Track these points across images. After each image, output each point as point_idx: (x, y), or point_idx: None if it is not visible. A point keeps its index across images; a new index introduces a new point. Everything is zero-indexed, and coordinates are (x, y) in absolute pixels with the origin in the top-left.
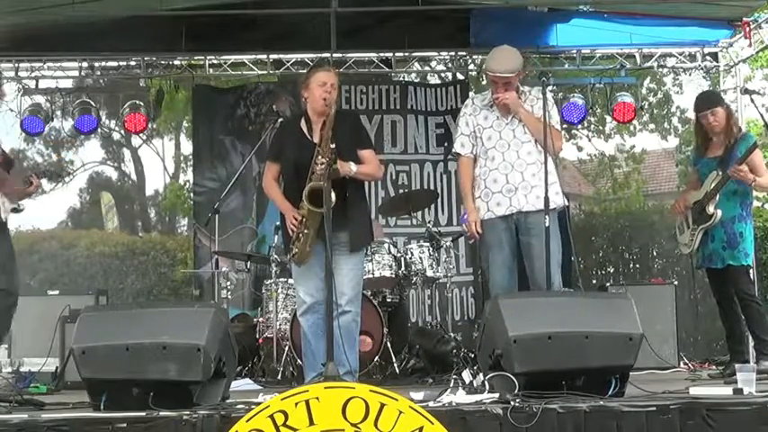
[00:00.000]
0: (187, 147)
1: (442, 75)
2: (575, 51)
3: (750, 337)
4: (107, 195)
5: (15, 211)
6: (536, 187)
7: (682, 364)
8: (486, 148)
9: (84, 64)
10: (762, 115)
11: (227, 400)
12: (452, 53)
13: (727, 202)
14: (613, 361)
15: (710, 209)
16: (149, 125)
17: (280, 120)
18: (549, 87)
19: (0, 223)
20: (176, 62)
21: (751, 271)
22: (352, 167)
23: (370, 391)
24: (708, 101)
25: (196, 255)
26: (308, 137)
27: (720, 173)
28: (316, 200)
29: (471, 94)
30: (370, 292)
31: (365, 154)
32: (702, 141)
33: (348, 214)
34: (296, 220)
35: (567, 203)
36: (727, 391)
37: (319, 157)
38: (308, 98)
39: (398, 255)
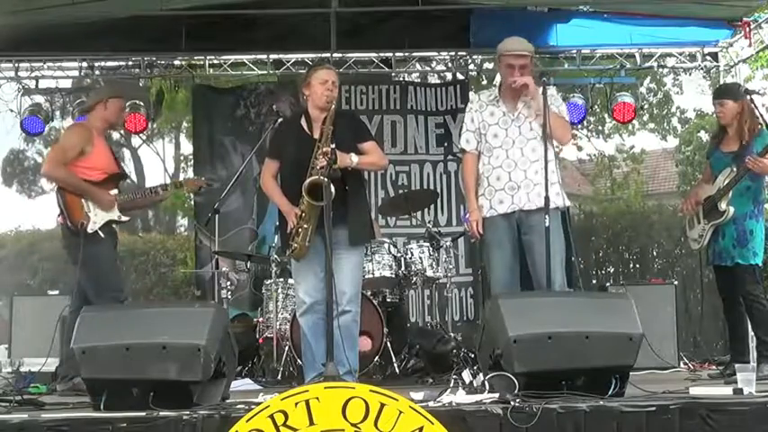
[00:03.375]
0: (187, 147)
1: (442, 75)
2: (575, 51)
3: (752, 338)
4: None
5: (115, 222)
6: (538, 185)
7: (682, 364)
8: (491, 146)
9: (84, 64)
10: (761, 115)
11: (227, 400)
12: (452, 53)
13: (739, 198)
14: (613, 361)
15: (722, 206)
16: (149, 125)
17: (279, 120)
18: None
19: (87, 234)
20: (176, 62)
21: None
22: (353, 158)
23: (370, 391)
24: (719, 92)
25: (197, 255)
26: (309, 133)
27: (734, 169)
28: (315, 194)
29: (471, 94)
30: (370, 292)
31: (366, 146)
32: (718, 132)
33: (347, 210)
34: (296, 217)
35: (567, 204)
36: (727, 391)
37: (319, 151)
38: (309, 95)
39: (398, 255)
